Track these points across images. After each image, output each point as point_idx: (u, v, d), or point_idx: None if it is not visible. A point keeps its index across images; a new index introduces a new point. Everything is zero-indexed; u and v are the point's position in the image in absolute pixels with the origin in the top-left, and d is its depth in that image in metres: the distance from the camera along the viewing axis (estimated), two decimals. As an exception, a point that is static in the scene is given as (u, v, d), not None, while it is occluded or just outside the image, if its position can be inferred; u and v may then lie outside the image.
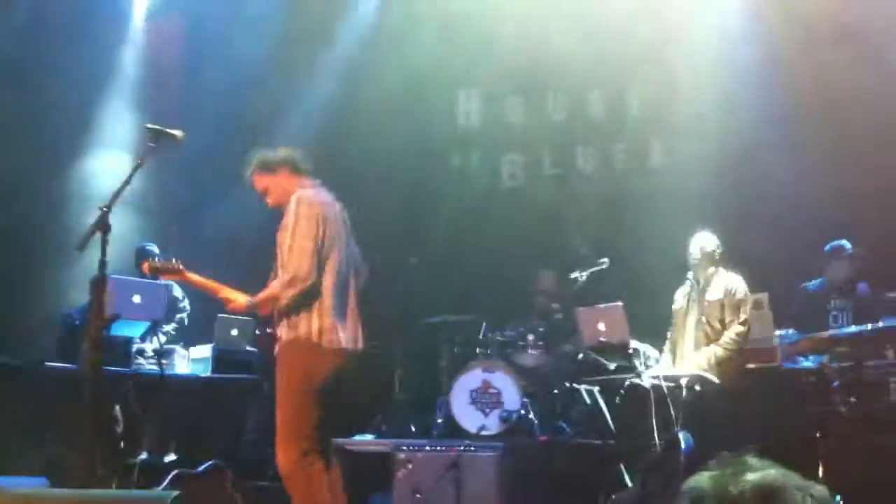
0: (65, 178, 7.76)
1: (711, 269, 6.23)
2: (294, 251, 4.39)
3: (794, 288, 6.82)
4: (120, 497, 2.96)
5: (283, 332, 4.50)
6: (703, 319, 6.17)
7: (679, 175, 8.26)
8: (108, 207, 3.65)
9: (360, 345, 4.64)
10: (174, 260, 4.62)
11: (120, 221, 3.79)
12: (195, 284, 4.70)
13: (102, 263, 3.59)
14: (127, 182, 3.78)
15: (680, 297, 6.41)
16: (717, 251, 6.25)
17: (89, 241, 3.59)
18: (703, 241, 6.28)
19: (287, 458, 4.40)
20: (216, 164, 7.54)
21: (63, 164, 7.78)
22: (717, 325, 6.13)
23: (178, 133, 4.03)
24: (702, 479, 1.62)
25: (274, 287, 4.47)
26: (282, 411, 4.44)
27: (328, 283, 4.49)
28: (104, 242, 3.59)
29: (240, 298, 4.57)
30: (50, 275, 7.27)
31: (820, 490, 1.56)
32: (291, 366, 4.45)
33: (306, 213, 4.46)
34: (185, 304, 7.40)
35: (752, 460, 1.61)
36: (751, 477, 1.57)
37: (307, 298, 4.42)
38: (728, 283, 6.18)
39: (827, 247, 6.54)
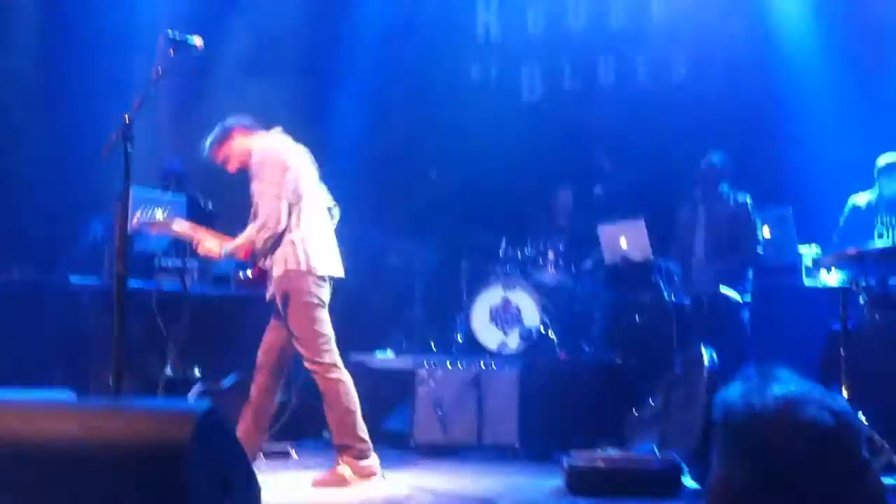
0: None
1: (720, 186, 6.28)
2: (264, 196, 4.69)
3: (820, 203, 6.71)
4: (151, 406, 2.97)
5: (273, 268, 4.76)
6: (712, 236, 6.22)
7: (702, 87, 8.12)
8: (132, 117, 3.59)
9: (342, 274, 4.93)
10: (162, 215, 4.97)
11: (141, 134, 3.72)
12: (180, 234, 4.97)
13: (126, 174, 3.54)
14: (148, 91, 3.71)
15: (685, 215, 6.46)
16: (725, 167, 6.29)
17: (111, 149, 3.55)
18: (712, 158, 6.31)
19: (322, 371, 4.72)
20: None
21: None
22: (726, 242, 6.18)
23: (197, 39, 3.94)
24: (732, 391, 1.65)
25: (249, 233, 4.74)
26: (301, 333, 4.74)
27: (306, 218, 4.78)
28: (127, 153, 3.53)
29: (215, 246, 4.79)
30: (72, 188, 7.25)
31: (840, 402, 1.59)
32: (293, 293, 4.73)
33: (268, 160, 4.74)
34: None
35: (779, 373, 1.64)
36: (775, 389, 1.60)
37: (281, 238, 4.71)
38: (738, 203, 6.22)
39: (880, 162, 6.19)
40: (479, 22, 9.13)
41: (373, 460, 4.73)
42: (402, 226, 8.43)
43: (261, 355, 4.90)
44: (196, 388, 5.41)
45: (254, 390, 4.89)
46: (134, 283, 5.53)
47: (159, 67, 3.81)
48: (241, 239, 4.75)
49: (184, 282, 5.94)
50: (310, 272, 4.73)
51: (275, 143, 4.87)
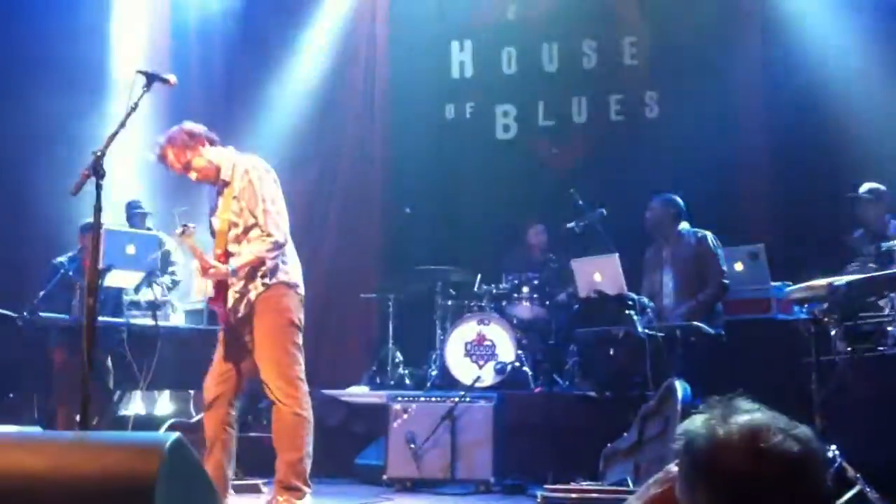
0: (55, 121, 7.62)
1: (679, 227, 6.31)
2: (271, 214, 4.54)
3: (794, 236, 6.79)
4: (117, 439, 2.92)
5: (261, 281, 4.57)
6: (679, 276, 6.25)
7: (675, 126, 8.21)
8: (103, 152, 3.54)
9: None
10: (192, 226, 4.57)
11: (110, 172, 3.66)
12: (191, 248, 4.62)
13: (97, 210, 3.48)
14: (121, 126, 3.67)
15: (650, 258, 6.49)
16: (678, 210, 6.32)
17: (83, 187, 3.51)
18: (663, 202, 6.35)
19: (295, 399, 4.50)
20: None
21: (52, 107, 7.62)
22: (693, 281, 6.20)
23: (170, 77, 3.92)
24: (694, 422, 1.64)
25: (258, 251, 4.53)
26: (278, 355, 4.53)
27: (290, 239, 4.70)
28: (98, 188, 3.48)
29: (221, 266, 4.53)
30: (42, 223, 7.21)
31: (803, 431, 1.58)
32: (282, 310, 4.57)
33: (267, 177, 4.60)
34: (178, 256, 7.36)
35: (742, 403, 1.64)
36: (739, 419, 1.59)
37: (283, 256, 4.62)
38: (699, 239, 6.26)
39: (852, 194, 6.27)
40: (453, 62, 9.21)
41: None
42: (378, 261, 8.42)
43: (217, 387, 4.63)
44: (166, 424, 5.34)
45: (214, 425, 4.66)
46: (103, 319, 5.48)
47: (133, 103, 3.77)
48: (250, 256, 4.52)
49: (155, 317, 5.88)
50: (297, 293, 4.64)
51: (258, 159, 4.69)
